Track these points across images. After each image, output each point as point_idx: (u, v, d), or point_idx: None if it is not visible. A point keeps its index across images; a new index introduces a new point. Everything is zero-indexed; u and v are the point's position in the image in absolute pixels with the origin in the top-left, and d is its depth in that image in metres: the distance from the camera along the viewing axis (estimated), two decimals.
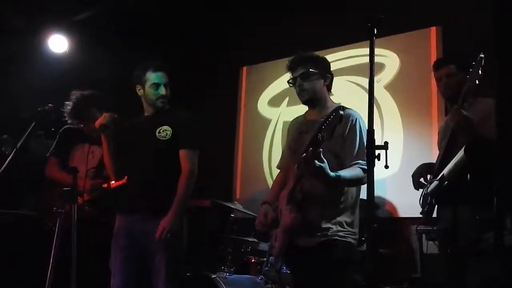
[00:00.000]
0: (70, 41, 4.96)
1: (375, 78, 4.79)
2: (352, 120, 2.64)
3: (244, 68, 6.07)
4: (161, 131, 3.02)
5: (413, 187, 3.12)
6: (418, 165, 3.19)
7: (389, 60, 4.97)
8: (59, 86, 4.59)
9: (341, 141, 2.61)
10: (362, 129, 2.64)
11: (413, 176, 3.12)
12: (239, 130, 5.96)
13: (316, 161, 2.30)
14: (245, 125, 5.95)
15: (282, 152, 3.06)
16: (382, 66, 4.98)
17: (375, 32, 2.05)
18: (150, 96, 3.12)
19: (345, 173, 2.51)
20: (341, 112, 2.38)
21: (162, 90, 3.10)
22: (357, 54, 5.15)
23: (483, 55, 2.66)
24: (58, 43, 4.93)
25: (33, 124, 3.21)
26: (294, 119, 3.00)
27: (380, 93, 4.95)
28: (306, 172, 2.39)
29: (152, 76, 3.10)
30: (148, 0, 5.26)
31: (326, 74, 2.80)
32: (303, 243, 2.59)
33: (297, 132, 2.83)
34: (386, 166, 1.89)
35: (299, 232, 2.57)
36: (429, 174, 2.99)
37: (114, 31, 5.13)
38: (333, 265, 2.50)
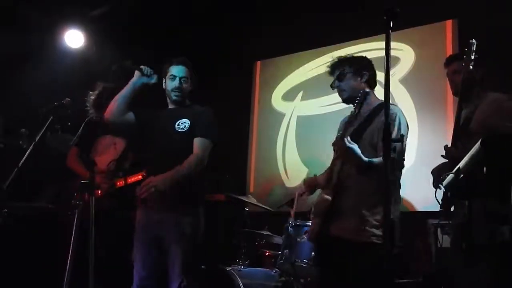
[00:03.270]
0: (86, 36, 5.03)
1: (390, 72, 4.91)
2: (392, 114, 2.71)
3: (258, 63, 6.10)
4: (180, 123, 3.07)
5: (427, 181, 3.08)
6: (433, 159, 3.16)
7: (404, 54, 4.97)
8: (75, 81, 4.66)
9: (379, 134, 2.69)
10: (402, 124, 2.76)
11: (432, 172, 3.11)
12: (253, 124, 5.99)
13: (346, 141, 2.48)
14: (259, 120, 5.98)
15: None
16: (397, 59, 4.98)
17: (391, 26, 2.02)
18: (167, 88, 3.20)
19: (378, 159, 2.63)
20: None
21: (177, 82, 3.14)
22: (372, 48, 5.09)
23: (474, 41, 2.80)
24: (74, 38, 5.01)
25: (50, 119, 3.26)
26: (344, 117, 3.05)
27: (395, 87, 4.94)
28: (339, 153, 2.59)
29: (171, 69, 3.17)
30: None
31: (362, 71, 2.92)
32: (335, 231, 2.69)
33: (345, 124, 2.90)
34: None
35: (331, 217, 2.68)
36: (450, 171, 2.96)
37: (127, 26, 5.18)
38: (366, 269, 2.55)
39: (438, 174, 3.03)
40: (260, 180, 5.72)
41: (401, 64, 4.98)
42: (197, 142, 3.03)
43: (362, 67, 2.93)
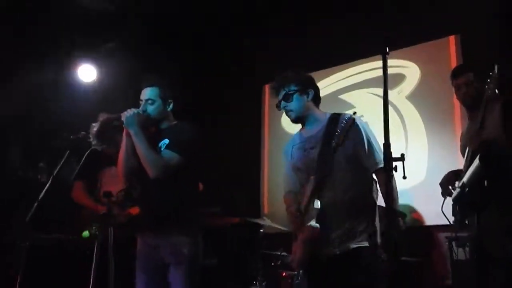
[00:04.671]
0: (99, 70, 5.16)
1: (396, 90, 5.02)
2: (351, 121, 2.62)
3: (267, 86, 6.15)
4: (161, 145, 3.01)
5: (439, 195, 3.11)
6: (444, 173, 3.21)
7: (410, 71, 5.03)
8: (89, 114, 4.77)
9: (349, 144, 2.65)
10: (366, 128, 2.71)
11: (441, 184, 3.13)
12: (264, 146, 6.06)
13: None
14: (269, 142, 6.04)
15: (286, 176, 3.00)
16: (403, 77, 5.04)
17: (387, 51, 2.11)
18: None
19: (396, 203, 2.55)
20: (345, 118, 2.51)
21: (141, 107, 3.07)
22: (378, 66, 5.20)
23: (499, 65, 2.74)
24: (87, 72, 5.15)
25: (67, 153, 3.30)
26: (290, 141, 3.02)
27: (403, 103, 5.01)
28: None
29: (141, 93, 3.13)
30: (174, 22, 5.42)
31: (308, 89, 2.86)
32: (326, 254, 2.62)
33: (300, 150, 2.85)
34: (404, 177, 1.95)
35: (320, 243, 2.60)
36: (457, 181, 2.98)
37: (139, 51, 5.30)
38: (359, 274, 2.54)
39: (446, 184, 3.09)
40: (274, 201, 5.71)
41: (407, 81, 5.03)
42: (166, 155, 2.94)
43: (307, 85, 2.87)
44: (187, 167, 2.97)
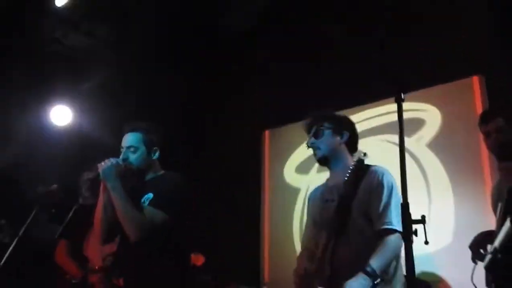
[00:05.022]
0: (74, 112, 5.21)
1: (415, 137, 4.98)
2: (378, 176, 2.71)
3: (266, 132, 6.18)
4: (144, 200, 2.99)
5: (468, 260, 3.07)
6: (474, 234, 3.17)
7: (430, 115, 4.99)
8: (62, 163, 4.74)
9: (367, 200, 2.67)
10: (393, 186, 2.70)
11: (470, 247, 3.09)
12: (265, 202, 6.00)
13: None
14: (270, 197, 5.99)
15: (305, 229, 3.08)
16: (422, 122, 5.00)
17: (402, 97, 2.16)
18: None
19: (378, 261, 2.51)
20: (364, 168, 2.51)
21: (121, 155, 3.06)
22: (394, 110, 5.15)
23: None
24: (61, 115, 5.19)
25: (36, 209, 3.32)
26: (315, 188, 3.06)
27: (422, 153, 4.95)
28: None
29: (122, 141, 3.12)
30: (163, 58, 5.51)
31: (343, 130, 2.91)
32: None
33: (321, 201, 2.88)
34: (426, 242, 1.93)
35: None
36: (490, 243, 2.93)
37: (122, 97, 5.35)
38: None
39: (476, 248, 3.05)
40: (275, 267, 5.64)
41: (427, 126, 4.98)
42: (149, 212, 2.90)
43: (342, 126, 2.93)
44: (175, 228, 2.92)
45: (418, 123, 4.98)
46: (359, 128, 5.28)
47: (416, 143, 4.99)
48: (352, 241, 2.64)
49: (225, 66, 6.19)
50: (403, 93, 2.22)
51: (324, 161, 2.90)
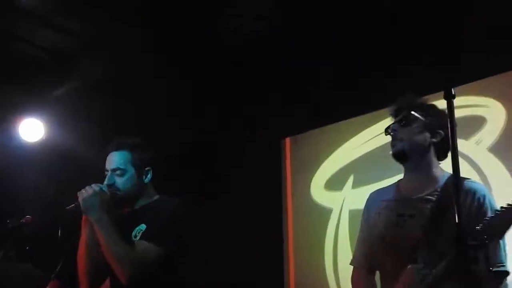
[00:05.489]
0: (47, 125, 5.22)
1: (474, 138, 4.91)
2: (480, 197, 2.67)
3: (287, 140, 6.14)
4: (136, 232, 3.02)
5: None
6: None
7: (492, 112, 4.90)
8: (35, 186, 4.69)
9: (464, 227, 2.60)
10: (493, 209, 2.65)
11: None
12: (288, 226, 5.99)
13: None
14: (295, 219, 5.97)
15: (359, 241, 3.05)
16: (482, 120, 4.92)
17: (453, 93, 2.17)
18: None
19: None
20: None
21: (106, 180, 3.11)
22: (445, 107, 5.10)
23: None
24: (32, 130, 5.21)
25: (6, 246, 3.37)
26: (376, 191, 3.05)
27: (483, 159, 4.86)
28: None
29: (106, 161, 3.17)
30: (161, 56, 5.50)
31: (436, 129, 2.84)
32: None
33: (391, 213, 2.83)
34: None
35: None
36: None
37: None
38: None
39: None
40: None
41: (489, 126, 4.90)
42: (141, 248, 2.93)
43: (438, 123, 2.84)
44: (173, 264, 2.97)
45: (479, 122, 4.91)
46: None
47: (475, 146, 4.92)
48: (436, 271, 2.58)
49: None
50: (454, 87, 2.20)
51: (401, 157, 2.87)
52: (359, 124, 5.58)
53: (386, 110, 5.13)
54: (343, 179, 5.59)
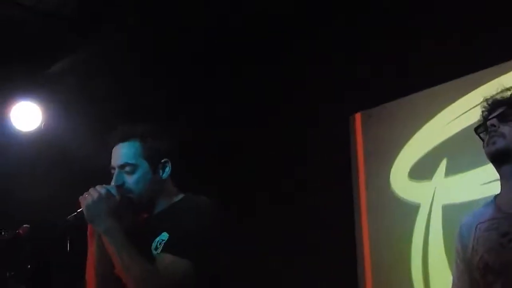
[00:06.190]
0: (44, 112, 5.35)
1: None
2: None
3: (357, 116, 6.18)
4: (157, 243, 3.03)
5: None
6: None
7: None
8: (31, 187, 4.79)
9: None
10: None
11: None
12: (361, 225, 6.08)
13: None
14: (370, 217, 6.05)
15: (456, 270, 3.10)
16: None
17: None
18: None
19: None
20: None
21: (113, 180, 3.16)
22: None
23: None
24: (26, 116, 5.33)
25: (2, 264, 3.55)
26: (472, 214, 3.09)
27: None
28: None
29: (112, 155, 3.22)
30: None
31: None
32: None
33: (495, 236, 2.85)
34: None
35: None
36: None
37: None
38: None
39: None
40: None
41: None
42: (164, 263, 2.96)
43: None
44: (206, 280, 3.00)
45: None
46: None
47: None
48: None
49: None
50: None
51: (502, 157, 2.93)
52: (450, 92, 5.58)
53: (489, 71, 5.22)
54: (433, 166, 5.58)
